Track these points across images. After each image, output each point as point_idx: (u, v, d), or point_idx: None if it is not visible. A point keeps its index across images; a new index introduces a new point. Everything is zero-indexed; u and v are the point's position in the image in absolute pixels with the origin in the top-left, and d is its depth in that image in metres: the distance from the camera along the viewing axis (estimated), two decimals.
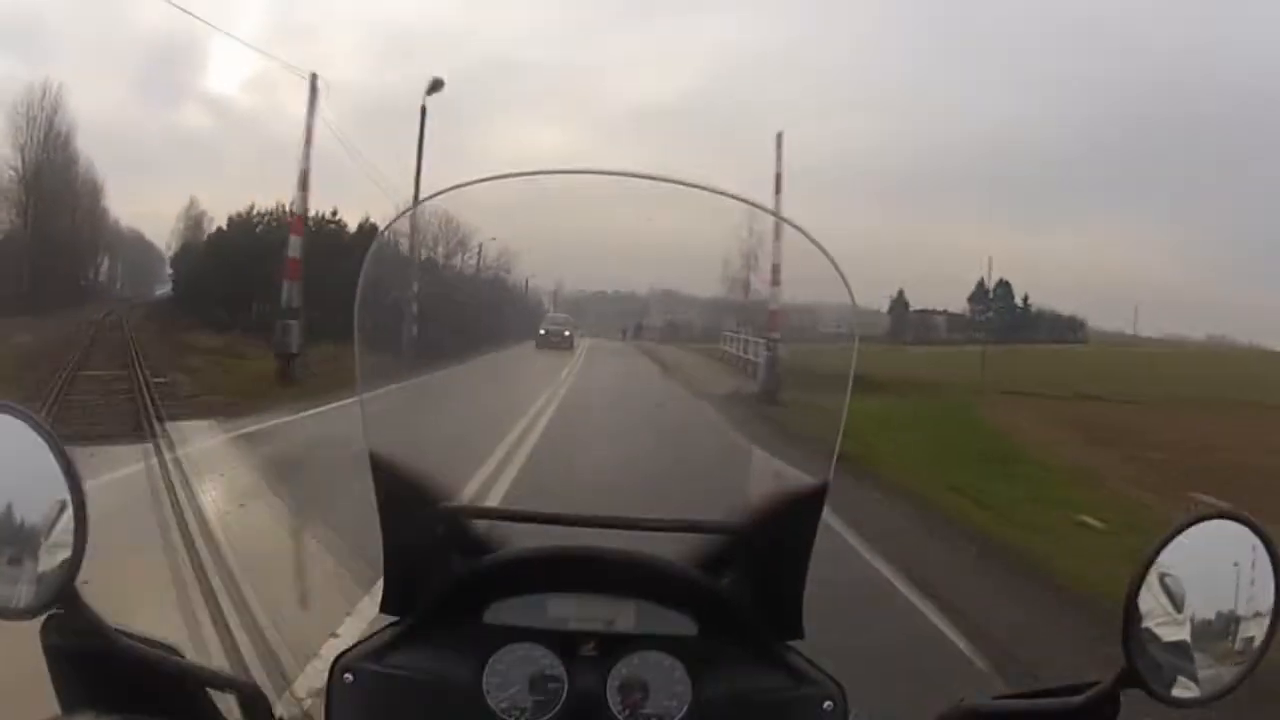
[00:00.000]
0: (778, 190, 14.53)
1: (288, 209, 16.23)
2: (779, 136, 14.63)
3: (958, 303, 20.31)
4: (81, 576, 0.79)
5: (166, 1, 13.09)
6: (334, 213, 18.42)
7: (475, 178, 0.94)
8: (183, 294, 16.18)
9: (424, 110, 14.42)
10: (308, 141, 13.56)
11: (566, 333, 7.56)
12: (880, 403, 11.27)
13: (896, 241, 15.83)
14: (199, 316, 14.88)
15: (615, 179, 0.99)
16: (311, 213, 15.88)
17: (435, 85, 14.69)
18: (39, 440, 0.79)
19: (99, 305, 16.35)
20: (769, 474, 1.01)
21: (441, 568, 0.95)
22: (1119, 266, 18.08)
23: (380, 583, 0.97)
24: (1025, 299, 19.33)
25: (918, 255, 17.73)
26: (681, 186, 0.95)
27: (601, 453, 8.96)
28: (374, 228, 18.07)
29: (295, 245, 13.86)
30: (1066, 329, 20.32)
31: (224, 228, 16.16)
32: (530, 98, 18.36)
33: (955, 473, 8.28)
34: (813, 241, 0.91)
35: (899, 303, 17.64)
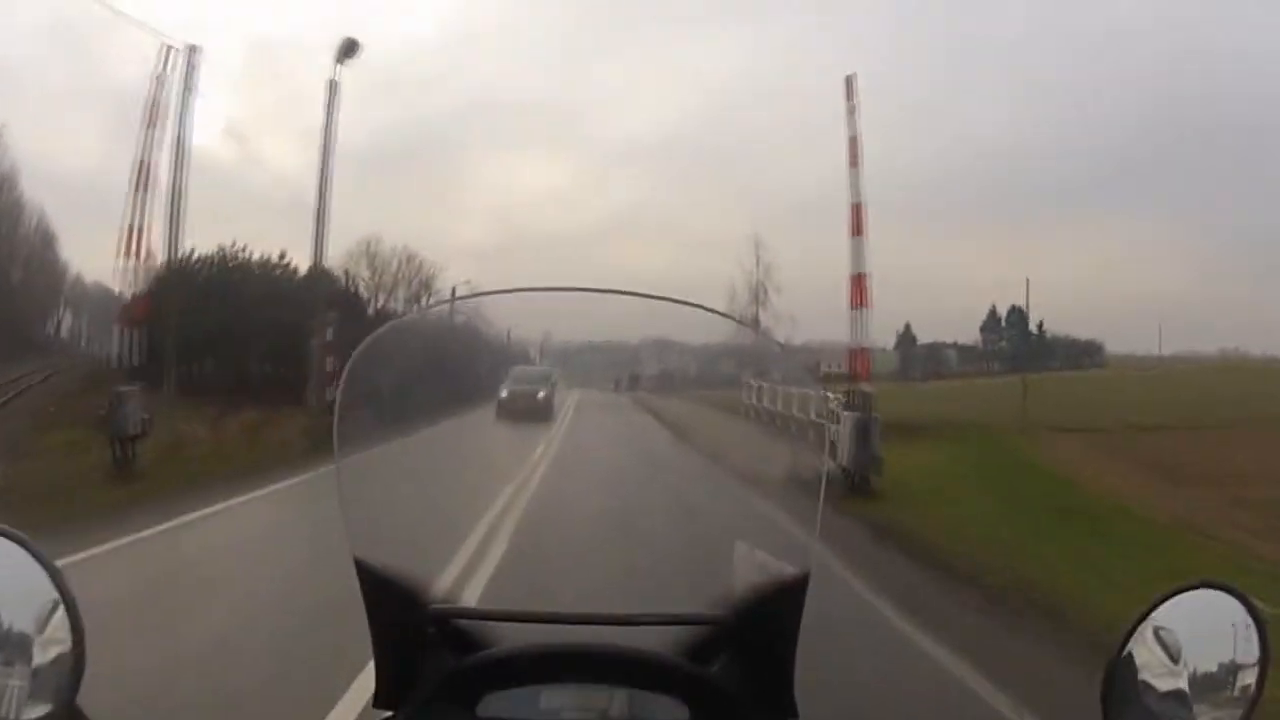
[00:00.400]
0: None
1: (230, 249, 15.28)
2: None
3: (967, 334, 20.26)
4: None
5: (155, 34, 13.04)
6: (282, 255, 17.63)
7: (470, 294, 1.02)
8: (121, 351, 14.61)
9: (333, 85, 13.35)
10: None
11: (541, 394, 5.15)
12: (923, 452, 10.30)
13: (899, 274, 15.96)
14: (141, 378, 12.91)
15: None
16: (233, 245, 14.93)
17: (349, 47, 13.40)
18: (31, 562, 0.84)
19: (51, 362, 15.45)
20: (751, 564, 1.06)
21: (434, 664, 0.99)
22: (1133, 283, 18.05)
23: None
24: (1040, 325, 19.31)
25: (922, 287, 17.83)
26: (662, 302, 1.06)
27: (579, 548, 8.88)
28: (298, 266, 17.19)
29: (134, 275, 10.98)
30: (1083, 354, 20.23)
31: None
32: (514, 135, 18.78)
33: (1041, 541, 7.23)
34: (772, 340, 0.98)
35: (906, 337, 17.61)
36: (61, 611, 0.84)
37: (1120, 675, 0.85)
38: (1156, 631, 0.86)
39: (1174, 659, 0.84)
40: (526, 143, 19.36)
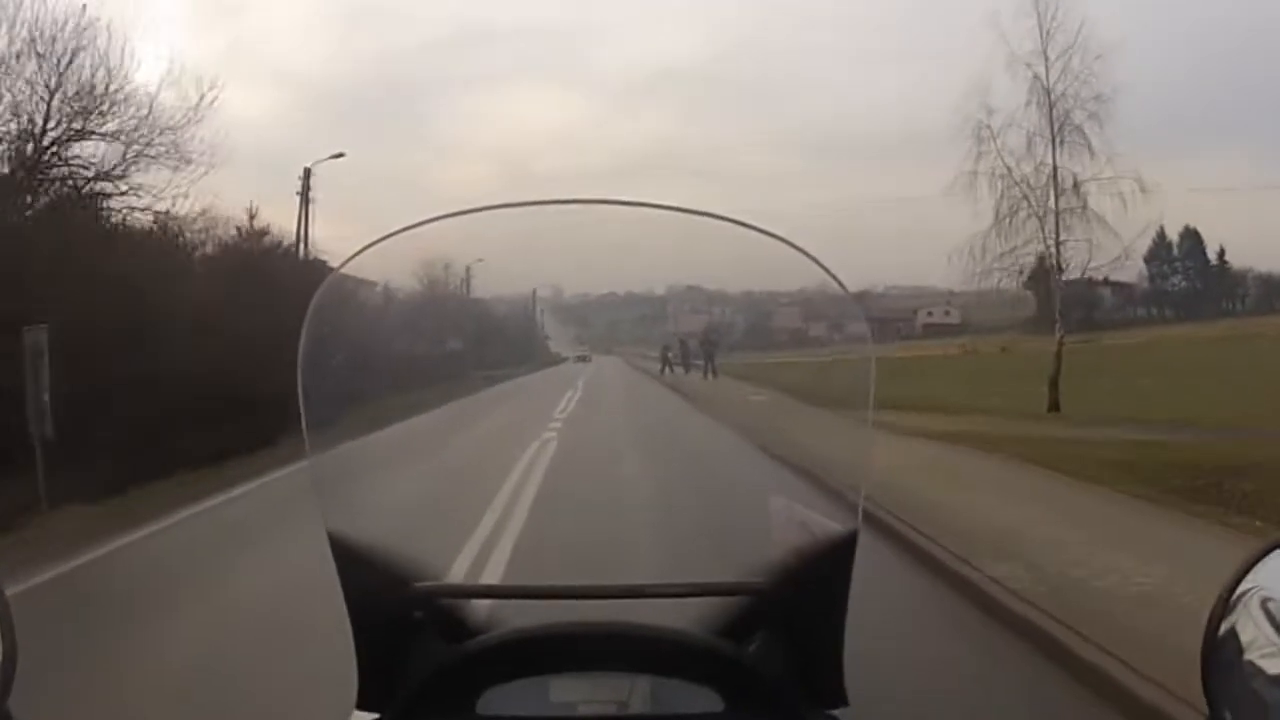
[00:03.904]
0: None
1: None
2: None
3: (1125, 268, 19.48)
4: None
5: None
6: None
7: (439, 214, 1.16)
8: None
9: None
10: None
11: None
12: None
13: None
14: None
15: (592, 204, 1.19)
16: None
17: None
18: None
19: None
20: (789, 523, 1.18)
21: (423, 655, 1.12)
22: None
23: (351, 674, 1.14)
24: (1221, 254, 18.71)
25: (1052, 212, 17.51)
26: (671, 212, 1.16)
27: (602, 513, 9.26)
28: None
29: None
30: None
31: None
32: (513, 66, 18.92)
33: None
34: (810, 257, 1.11)
35: (1040, 273, 16.93)
36: None
37: (1221, 655, 0.92)
38: (1264, 603, 0.94)
39: None
40: (529, 74, 19.54)
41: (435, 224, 1.19)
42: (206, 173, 15.95)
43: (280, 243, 20.41)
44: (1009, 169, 17.04)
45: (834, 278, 1.16)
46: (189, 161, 15.86)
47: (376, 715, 1.13)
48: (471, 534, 7.78)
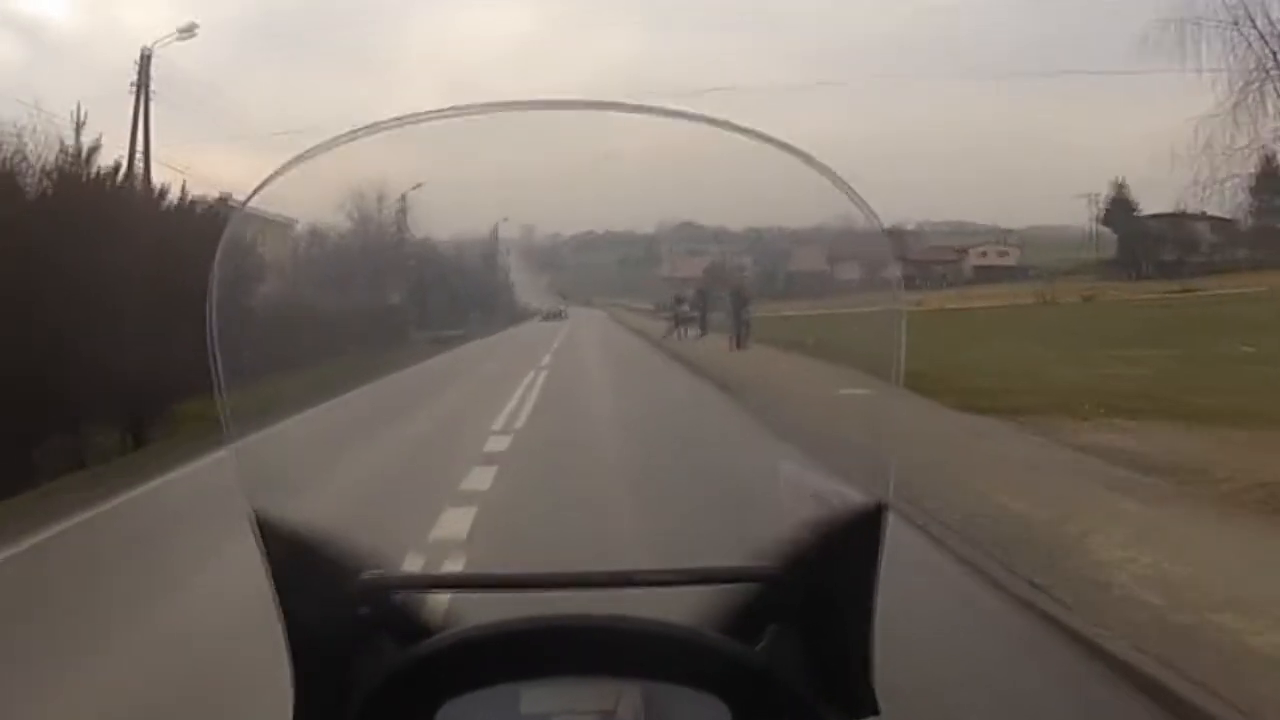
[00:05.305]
0: None
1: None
2: None
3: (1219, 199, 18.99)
4: None
5: None
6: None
7: (390, 120, 1.17)
8: None
9: None
10: None
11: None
12: None
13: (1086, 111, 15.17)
14: None
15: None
16: None
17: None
18: None
19: None
20: (804, 494, 1.22)
21: (371, 660, 1.15)
22: None
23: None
24: None
25: (1132, 131, 16.87)
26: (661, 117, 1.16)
27: (583, 485, 9.21)
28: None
29: None
30: None
31: None
32: None
33: None
34: (826, 172, 1.14)
35: (1120, 204, 16.49)
36: None
37: None
38: None
39: None
40: None
41: (364, 140, 1.18)
42: None
43: (120, 168, 18.56)
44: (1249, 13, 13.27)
45: (865, 208, 1.18)
46: None
47: None
48: (431, 519, 7.93)
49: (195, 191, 19.55)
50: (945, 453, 9.64)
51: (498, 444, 12.16)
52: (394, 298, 25.57)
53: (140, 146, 21.38)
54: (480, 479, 9.91)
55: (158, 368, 12.95)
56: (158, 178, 21.05)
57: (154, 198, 19.52)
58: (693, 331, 26.61)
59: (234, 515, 1.19)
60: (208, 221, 17.40)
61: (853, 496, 1.17)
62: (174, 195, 19.47)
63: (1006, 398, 13.58)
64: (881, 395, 1.24)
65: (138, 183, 20.16)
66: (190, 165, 23.62)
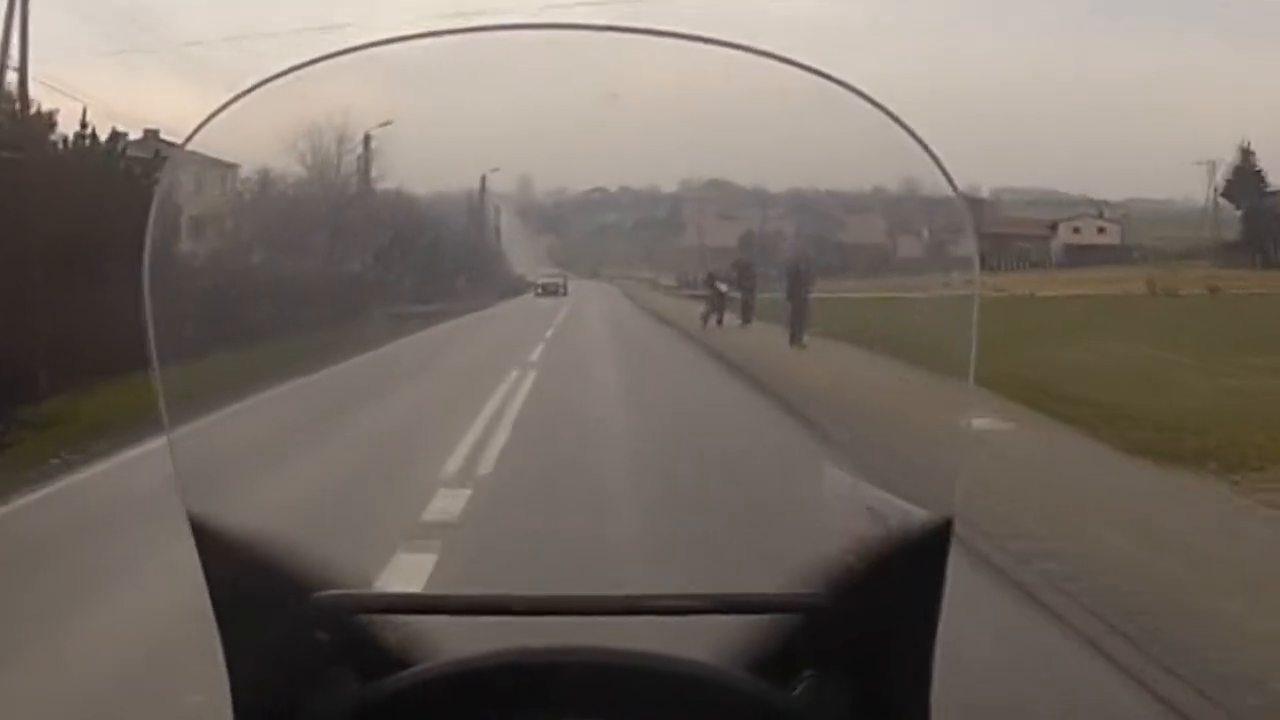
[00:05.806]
0: None
1: None
2: None
3: None
4: None
5: None
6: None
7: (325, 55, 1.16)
8: None
9: None
10: None
11: None
12: None
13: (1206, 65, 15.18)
14: None
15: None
16: None
17: None
18: None
19: None
20: (855, 510, 1.21)
21: (328, 695, 1.15)
22: None
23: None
24: None
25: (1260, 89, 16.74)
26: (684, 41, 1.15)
27: (588, 494, 9.19)
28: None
29: None
30: None
31: None
32: None
33: None
34: (895, 119, 1.13)
35: (1245, 175, 16.15)
36: None
37: None
38: None
39: None
40: None
41: (324, 67, 1.17)
42: None
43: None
44: None
45: (941, 167, 1.15)
46: None
47: None
48: (401, 530, 8.09)
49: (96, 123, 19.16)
50: (1169, 561, 7.26)
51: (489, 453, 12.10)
52: (355, 264, 25.25)
53: (15, 59, 19.24)
54: (464, 480, 9.97)
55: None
56: (40, 102, 19.87)
57: (39, 127, 19.00)
58: (731, 318, 25.11)
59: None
60: (108, 162, 17.21)
61: (914, 511, 1.17)
62: (66, 127, 19.13)
63: (1193, 436, 11.59)
64: (949, 388, 1.23)
65: (11, 105, 19.11)
66: (84, 87, 22.65)
